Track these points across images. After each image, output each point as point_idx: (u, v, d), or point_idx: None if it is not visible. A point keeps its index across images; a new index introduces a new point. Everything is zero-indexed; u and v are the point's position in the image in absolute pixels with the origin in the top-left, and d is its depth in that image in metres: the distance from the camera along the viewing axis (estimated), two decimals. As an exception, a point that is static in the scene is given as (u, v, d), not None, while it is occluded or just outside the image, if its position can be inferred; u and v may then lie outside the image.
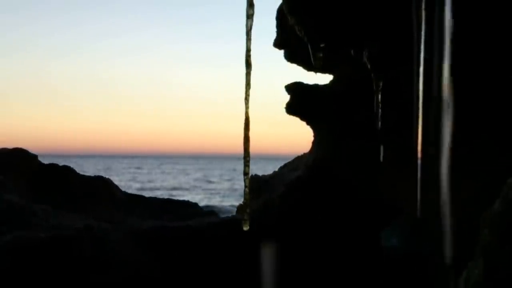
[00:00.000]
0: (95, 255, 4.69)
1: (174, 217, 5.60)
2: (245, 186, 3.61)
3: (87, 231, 4.79)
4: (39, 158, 5.93)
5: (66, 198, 5.51)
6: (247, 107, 3.41)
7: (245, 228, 3.62)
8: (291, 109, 5.30)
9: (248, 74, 3.45)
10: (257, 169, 6.45)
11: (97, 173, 6.29)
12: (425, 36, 1.83)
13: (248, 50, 3.46)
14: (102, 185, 5.90)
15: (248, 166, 3.51)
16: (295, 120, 5.39)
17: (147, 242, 4.95)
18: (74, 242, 4.68)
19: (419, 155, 1.88)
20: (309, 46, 4.17)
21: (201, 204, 6.94)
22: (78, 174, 5.89)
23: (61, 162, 6.29)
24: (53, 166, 5.83)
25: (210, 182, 48.51)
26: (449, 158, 1.70)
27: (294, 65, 5.05)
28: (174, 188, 40.15)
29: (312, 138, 5.57)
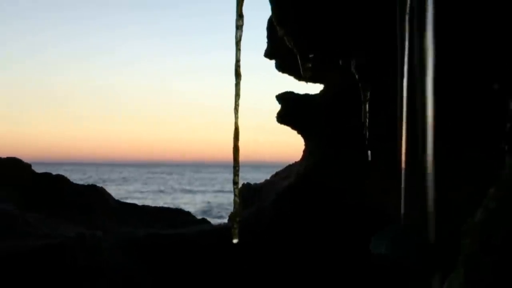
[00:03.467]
0: (87, 263, 4.68)
1: (167, 225, 5.60)
2: (235, 195, 3.59)
3: (79, 240, 4.78)
4: (38, 166, 5.95)
5: (59, 206, 5.51)
6: (236, 117, 3.40)
7: (235, 238, 3.61)
8: (283, 118, 5.30)
9: (237, 84, 3.44)
10: (249, 178, 6.45)
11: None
12: (409, 48, 1.83)
13: (237, 61, 3.46)
14: (95, 193, 5.91)
15: (238, 175, 3.49)
16: (287, 129, 5.40)
17: (140, 250, 4.95)
18: (66, 250, 4.67)
19: (404, 164, 1.88)
20: (298, 57, 4.17)
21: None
22: (71, 182, 5.90)
23: (60, 170, 6.32)
24: (46, 175, 5.83)
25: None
26: (433, 168, 1.71)
27: (285, 75, 5.05)
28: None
29: (303, 147, 5.58)
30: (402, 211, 2.14)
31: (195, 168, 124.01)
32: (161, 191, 43.53)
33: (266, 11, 4.23)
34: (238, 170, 3.56)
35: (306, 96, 5.27)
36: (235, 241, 3.57)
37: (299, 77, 4.85)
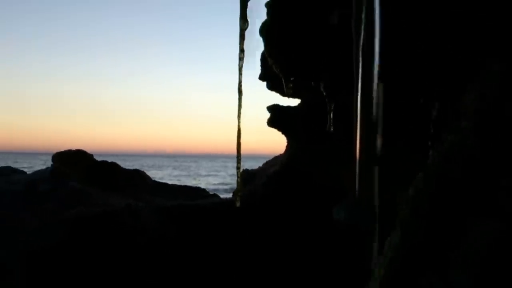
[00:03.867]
0: (132, 225, 4.68)
1: (189, 198, 5.60)
2: (237, 177, 3.60)
3: (126, 208, 4.79)
4: (95, 156, 5.95)
5: (112, 184, 5.51)
6: (239, 122, 3.40)
7: (237, 205, 3.63)
8: (271, 123, 5.31)
9: (239, 99, 3.45)
10: (247, 165, 6.44)
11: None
12: (361, 73, 1.84)
13: (240, 82, 3.46)
14: (138, 175, 5.91)
15: (240, 162, 3.51)
16: (274, 130, 5.41)
17: (170, 216, 4.95)
18: (118, 216, 4.68)
19: (357, 155, 1.89)
20: (282, 79, 4.18)
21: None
22: (121, 167, 5.89)
23: (113, 159, 6.33)
24: (103, 162, 5.83)
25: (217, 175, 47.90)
26: (378, 159, 1.71)
27: (274, 92, 5.05)
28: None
29: (285, 143, 5.58)
30: (356, 188, 2.14)
31: (209, 158, 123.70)
32: (185, 175, 43.39)
33: (260, 47, 4.23)
34: (240, 160, 3.56)
35: (288, 107, 5.27)
36: (237, 204, 3.59)
37: (283, 94, 4.86)
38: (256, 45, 4.29)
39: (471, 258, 1.56)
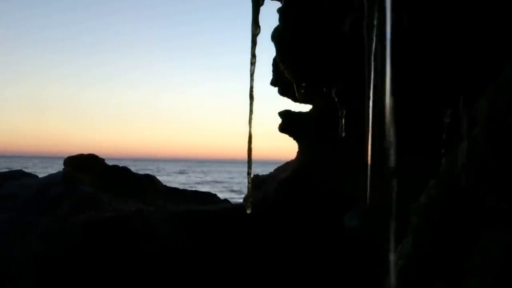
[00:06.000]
0: (143, 230, 4.70)
1: (199, 203, 5.60)
2: (248, 182, 3.63)
3: (138, 213, 4.80)
4: (109, 160, 5.98)
5: (123, 189, 5.53)
6: (250, 127, 3.43)
7: (248, 212, 3.64)
8: (283, 129, 5.31)
9: (251, 104, 3.47)
10: (258, 171, 6.42)
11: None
12: (373, 79, 1.84)
13: (251, 87, 3.48)
14: (149, 180, 5.92)
15: (251, 168, 3.53)
16: (286, 136, 5.40)
17: (181, 221, 4.96)
18: (129, 220, 4.69)
19: (369, 161, 1.89)
20: (294, 85, 4.18)
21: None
22: (132, 172, 5.91)
23: (124, 163, 6.34)
24: (115, 166, 5.85)
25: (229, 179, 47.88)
26: (390, 165, 1.71)
27: (285, 98, 5.05)
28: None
29: (297, 149, 5.58)
30: (368, 195, 2.14)
31: (219, 163, 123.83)
32: (196, 182, 43.38)
33: (272, 52, 4.23)
34: (251, 165, 3.58)
35: (300, 113, 5.27)
36: (248, 211, 3.59)
37: (295, 100, 4.86)
38: (268, 51, 4.30)
39: (483, 268, 1.55)
